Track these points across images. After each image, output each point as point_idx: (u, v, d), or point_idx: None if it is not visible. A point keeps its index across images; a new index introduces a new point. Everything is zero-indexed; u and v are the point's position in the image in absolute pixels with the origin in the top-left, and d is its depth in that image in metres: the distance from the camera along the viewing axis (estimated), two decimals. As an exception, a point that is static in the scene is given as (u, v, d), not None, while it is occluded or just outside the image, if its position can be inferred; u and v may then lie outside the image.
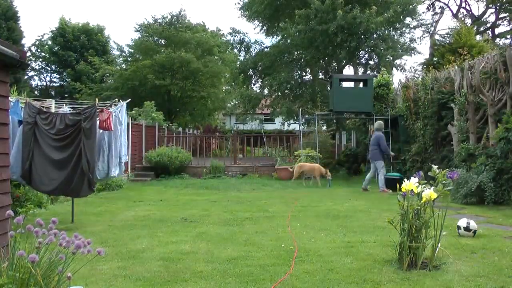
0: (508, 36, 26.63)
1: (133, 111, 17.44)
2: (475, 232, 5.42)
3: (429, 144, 11.84)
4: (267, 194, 10.57)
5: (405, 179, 4.28)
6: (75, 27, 33.01)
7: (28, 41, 50.45)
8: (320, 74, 22.20)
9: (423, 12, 28.68)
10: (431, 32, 29.29)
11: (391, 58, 18.80)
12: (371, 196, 10.06)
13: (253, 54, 22.50)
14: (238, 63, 24.51)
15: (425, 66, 19.99)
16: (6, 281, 2.67)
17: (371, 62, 20.25)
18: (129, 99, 9.62)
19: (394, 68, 19.55)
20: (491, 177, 8.06)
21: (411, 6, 18.41)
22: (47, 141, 6.39)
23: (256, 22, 21.93)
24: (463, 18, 26.38)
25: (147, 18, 36.89)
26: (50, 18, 74.09)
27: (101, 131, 7.15)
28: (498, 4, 24.41)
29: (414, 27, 20.64)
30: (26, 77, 32.03)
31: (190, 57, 23.04)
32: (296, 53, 20.36)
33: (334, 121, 20.29)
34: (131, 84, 23.60)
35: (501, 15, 27.42)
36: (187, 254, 4.75)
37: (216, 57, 27.24)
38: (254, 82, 23.44)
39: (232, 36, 23.55)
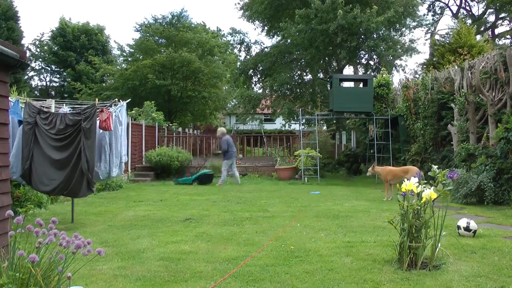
0: (508, 36, 26.65)
1: (133, 111, 17.42)
2: (475, 232, 5.42)
3: (429, 144, 11.84)
4: (267, 194, 10.56)
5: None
6: (75, 27, 32.98)
7: (28, 41, 50.50)
8: (320, 74, 22.21)
9: (424, 14, 28.58)
10: (431, 32, 29.30)
11: (391, 58, 18.79)
12: (371, 196, 10.06)
13: (253, 55, 22.51)
14: (238, 63, 24.48)
15: (425, 66, 20.00)
16: (6, 281, 2.67)
17: (371, 62, 20.26)
18: (129, 99, 9.61)
19: (394, 68, 19.54)
20: (491, 177, 8.06)
21: (412, 8, 18.40)
22: (47, 141, 6.39)
23: (257, 22, 21.92)
24: (463, 18, 26.33)
25: (147, 18, 36.76)
26: (50, 18, 74.17)
27: (101, 131, 7.15)
28: (498, 4, 24.40)
29: (414, 27, 20.61)
30: (26, 77, 32.03)
31: (192, 57, 23.01)
32: (296, 53, 20.36)
33: (334, 121, 20.29)
34: (131, 84, 23.58)
35: (501, 15, 27.43)
36: (187, 254, 4.75)
37: (217, 57, 27.22)
38: (254, 83, 23.46)
39: (232, 37, 23.57)
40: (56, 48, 32.82)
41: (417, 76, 20.35)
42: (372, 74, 18.34)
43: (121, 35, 74.03)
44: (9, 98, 4.76)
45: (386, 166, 9.69)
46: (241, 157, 18.53)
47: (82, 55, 32.20)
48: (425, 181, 4.27)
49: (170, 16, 28.20)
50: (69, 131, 6.41)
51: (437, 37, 26.66)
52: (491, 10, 27.52)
